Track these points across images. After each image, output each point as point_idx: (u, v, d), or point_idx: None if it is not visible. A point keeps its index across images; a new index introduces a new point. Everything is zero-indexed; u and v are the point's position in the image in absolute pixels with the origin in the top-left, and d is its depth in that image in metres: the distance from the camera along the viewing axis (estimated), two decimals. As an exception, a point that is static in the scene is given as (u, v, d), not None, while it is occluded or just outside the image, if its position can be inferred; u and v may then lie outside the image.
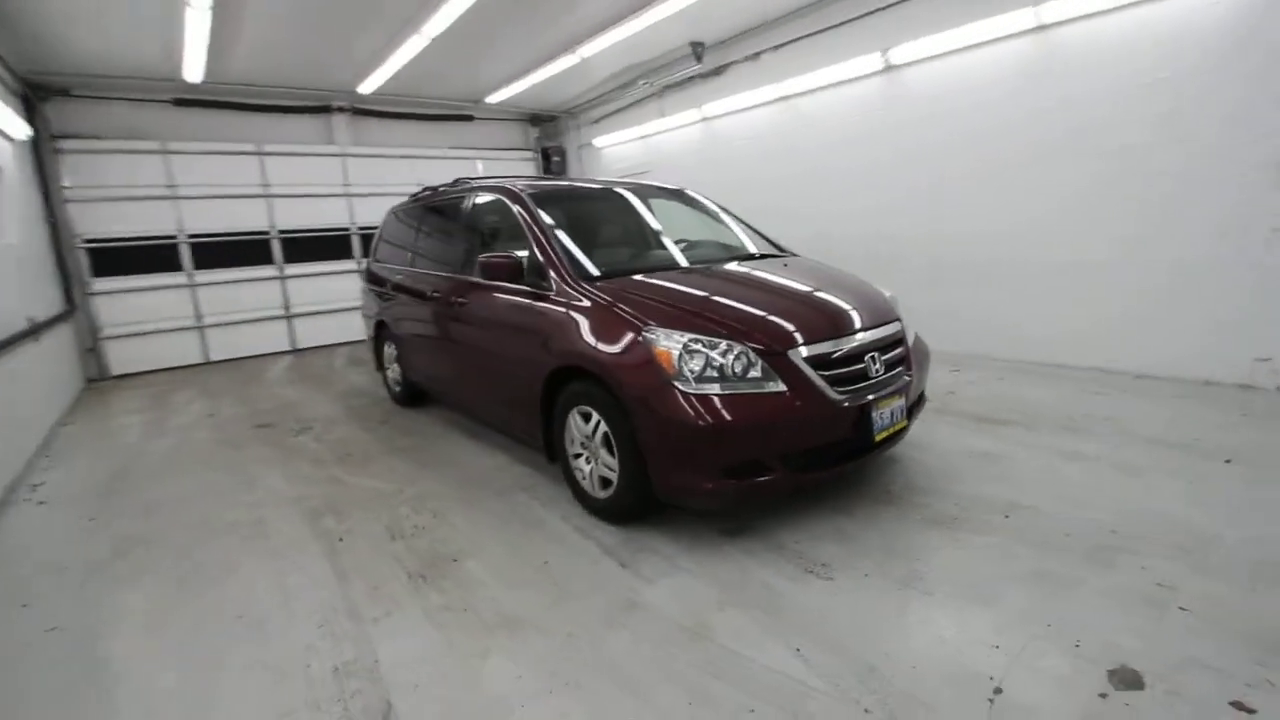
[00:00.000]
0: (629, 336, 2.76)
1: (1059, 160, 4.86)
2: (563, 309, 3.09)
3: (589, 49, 6.91)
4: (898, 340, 3.09)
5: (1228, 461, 3.17)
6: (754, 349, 2.64)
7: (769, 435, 2.57)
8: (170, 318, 7.85)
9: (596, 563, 2.69)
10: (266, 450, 4.51)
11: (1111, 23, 4.44)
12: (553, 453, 3.30)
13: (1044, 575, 2.38)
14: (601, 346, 2.82)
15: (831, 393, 2.68)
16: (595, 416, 2.90)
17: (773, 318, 2.82)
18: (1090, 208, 4.77)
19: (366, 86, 7.96)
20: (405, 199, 5.49)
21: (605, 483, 2.95)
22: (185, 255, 7.86)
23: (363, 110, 9.01)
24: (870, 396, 2.77)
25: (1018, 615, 2.16)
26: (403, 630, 2.30)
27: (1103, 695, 1.80)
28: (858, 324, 2.94)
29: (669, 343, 2.64)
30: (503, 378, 3.59)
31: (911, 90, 5.74)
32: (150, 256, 7.66)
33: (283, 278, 8.56)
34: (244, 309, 8.31)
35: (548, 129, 10.68)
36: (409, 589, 2.57)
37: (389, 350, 5.40)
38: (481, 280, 3.73)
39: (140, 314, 7.63)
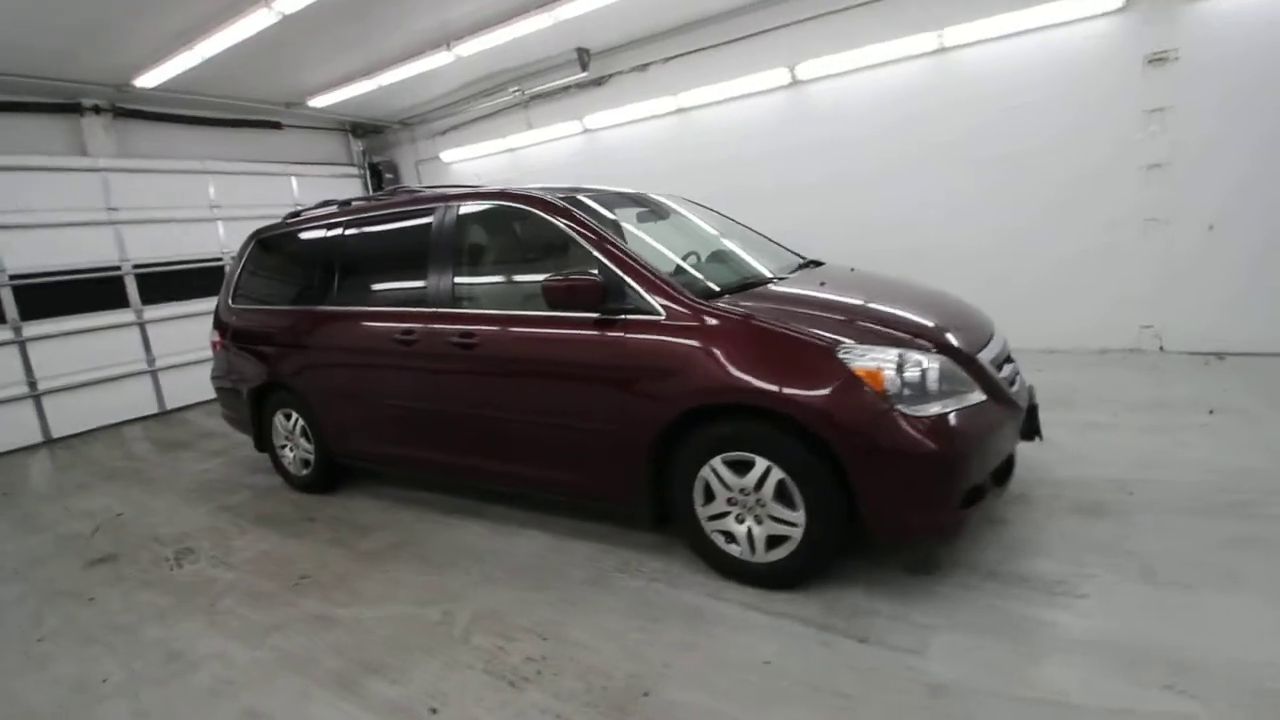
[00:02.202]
0: (817, 358, 2.28)
1: (956, 164, 5.43)
2: (682, 336, 2.47)
3: (464, 48, 6.05)
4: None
5: (1211, 412, 3.71)
6: (952, 358, 2.34)
7: (991, 450, 2.31)
8: None
9: (828, 645, 2.15)
10: (150, 597, 2.99)
11: (1007, 47, 5.07)
12: (656, 514, 2.67)
13: (1244, 541, 2.45)
14: (774, 375, 2.29)
15: (1016, 397, 2.51)
16: (761, 464, 2.34)
17: (943, 323, 2.56)
18: (991, 205, 5.39)
19: (148, 79, 6.01)
20: (271, 223, 4.19)
21: (774, 541, 2.41)
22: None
23: (127, 111, 6.82)
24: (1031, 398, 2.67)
25: None
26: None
27: None
28: (993, 327, 2.82)
29: (876, 360, 2.22)
30: (564, 431, 2.80)
31: (815, 105, 5.99)
32: None
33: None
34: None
35: (375, 142, 9.24)
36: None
37: (285, 422, 4.02)
38: (514, 313, 2.92)
39: None
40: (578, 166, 7.66)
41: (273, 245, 4.24)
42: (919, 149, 5.60)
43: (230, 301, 4.31)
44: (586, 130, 7.42)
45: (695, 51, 6.45)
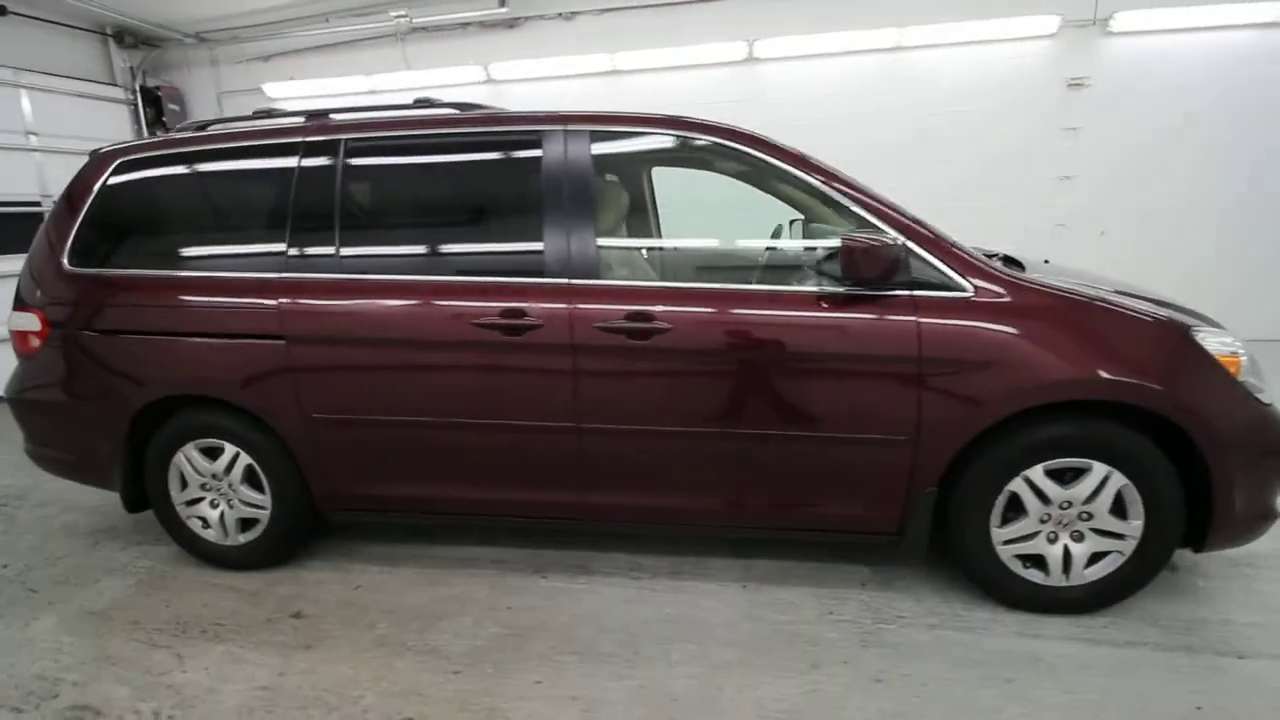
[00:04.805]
0: (1171, 341, 1.98)
1: (903, 165, 5.68)
2: (1000, 319, 1.98)
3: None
4: None
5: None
6: None
7: None
8: None
9: (1219, 669, 1.86)
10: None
11: (957, 54, 5.39)
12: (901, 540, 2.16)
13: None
14: (1127, 364, 1.93)
15: None
16: (1099, 470, 1.97)
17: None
18: (925, 205, 5.75)
19: None
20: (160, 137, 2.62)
21: (1091, 560, 2.06)
22: None
23: None
24: None
25: None
26: None
27: None
28: None
29: (1226, 343, 2.00)
30: (816, 447, 2.10)
31: (769, 86, 5.78)
32: None
33: None
34: None
35: (152, 58, 6.62)
36: None
37: (207, 462, 2.49)
38: (738, 288, 2.15)
39: None
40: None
41: (171, 177, 2.57)
42: (866, 144, 5.70)
43: (67, 264, 2.52)
44: (491, 80, 6.20)
45: (638, 8, 5.77)
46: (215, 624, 2.28)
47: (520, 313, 2.15)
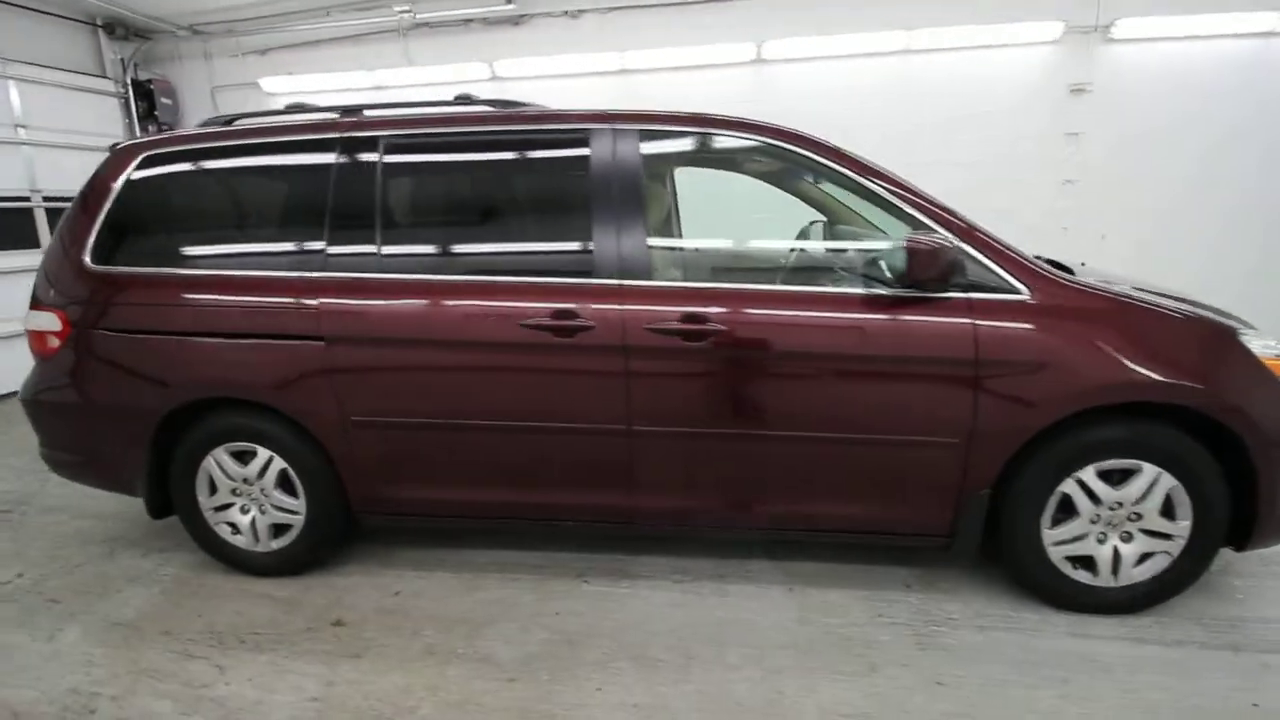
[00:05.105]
0: (1219, 344, 2.02)
1: (911, 167, 5.74)
2: (1055, 321, 2.00)
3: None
4: None
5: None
6: None
7: None
8: None
9: (1268, 667, 1.90)
10: None
11: (962, 58, 5.45)
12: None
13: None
14: (1179, 366, 1.96)
15: None
16: (1149, 471, 2.00)
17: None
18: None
19: None
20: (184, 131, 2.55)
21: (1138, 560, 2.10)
22: None
23: None
24: None
25: None
26: None
27: None
28: None
29: (1273, 346, 2.03)
30: (870, 449, 2.11)
31: (779, 88, 5.79)
32: None
33: None
34: None
35: (145, 50, 6.44)
36: None
37: (237, 466, 2.42)
38: (792, 290, 2.20)
39: None
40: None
41: (200, 172, 2.49)
42: (872, 146, 5.74)
43: (89, 262, 2.44)
44: (496, 77, 6.14)
45: (644, 7, 5.75)
46: (253, 633, 2.22)
47: (572, 314, 2.12)
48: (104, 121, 6.13)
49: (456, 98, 2.56)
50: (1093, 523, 2.08)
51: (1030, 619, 2.16)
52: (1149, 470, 2.01)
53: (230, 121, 2.57)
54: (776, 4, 5.55)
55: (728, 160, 2.58)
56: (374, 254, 2.28)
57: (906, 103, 5.61)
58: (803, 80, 5.73)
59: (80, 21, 5.98)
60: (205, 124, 2.62)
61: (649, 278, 2.15)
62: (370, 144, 2.33)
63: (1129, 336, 2.00)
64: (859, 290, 2.10)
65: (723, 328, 2.07)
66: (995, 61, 5.42)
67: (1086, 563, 2.13)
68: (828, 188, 2.65)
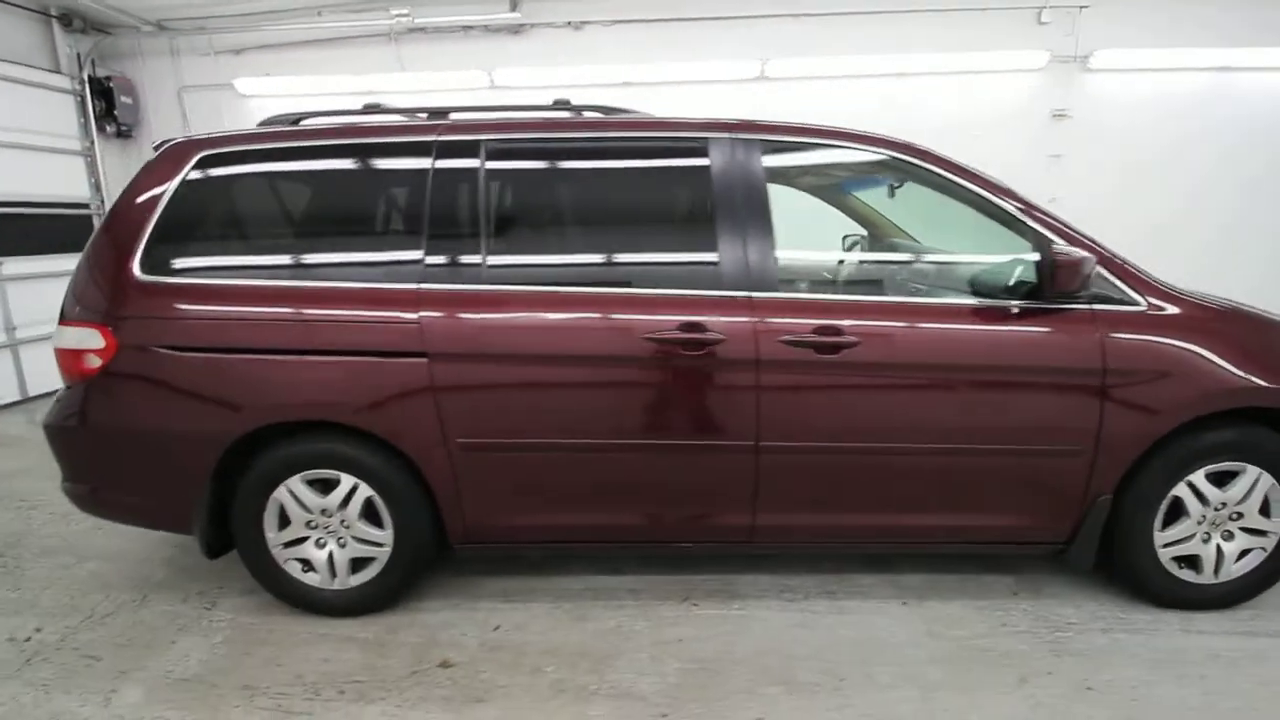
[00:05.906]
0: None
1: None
2: (1173, 331, 2.09)
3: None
4: None
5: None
6: None
7: None
8: None
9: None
10: None
11: (953, 83, 5.72)
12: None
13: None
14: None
15: None
16: (1253, 474, 2.11)
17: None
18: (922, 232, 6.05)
19: None
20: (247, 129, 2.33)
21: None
22: None
23: None
24: None
25: None
26: None
27: None
28: None
29: (1353, 355, 2.19)
30: (1001, 459, 2.14)
31: (782, 105, 5.90)
32: None
33: None
34: None
35: (105, 45, 5.91)
36: None
37: (315, 497, 2.20)
38: (927, 302, 2.25)
39: None
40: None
41: (268, 175, 2.29)
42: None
43: (138, 272, 2.17)
44: (495, 86, 5.99)
45: (647, 21, 5.76)
46: (351, 681, 2.01)
47: (700, 326, 2.05)
48: (55, 120, 5.59)
49: (554, 103, 2.45)
50: (1199, 523, 2.17)
51: (1142, 619, 2.23)
52: (1251, 471, 2.12)
53: (296, 121, 2.37)
54: (778, 23, 5.68)
55: (849, 173, 2.58)
56: (479, 264, 2.14)
57: (900, 123, 5.79)
58: (802, 99, 5.87)
59: (31, 10, 5.44)
60: (265, 123, 2.40)
61: (776, 289, 2.11)
62: (471, 149, 2.19)
63: (1239, 344, 2.11)
64: (988, 302, 2.13)
65: (856, 340, 2.05)
66: (984, 86, 5.72)
67: (1190, 561, 2.22)
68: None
